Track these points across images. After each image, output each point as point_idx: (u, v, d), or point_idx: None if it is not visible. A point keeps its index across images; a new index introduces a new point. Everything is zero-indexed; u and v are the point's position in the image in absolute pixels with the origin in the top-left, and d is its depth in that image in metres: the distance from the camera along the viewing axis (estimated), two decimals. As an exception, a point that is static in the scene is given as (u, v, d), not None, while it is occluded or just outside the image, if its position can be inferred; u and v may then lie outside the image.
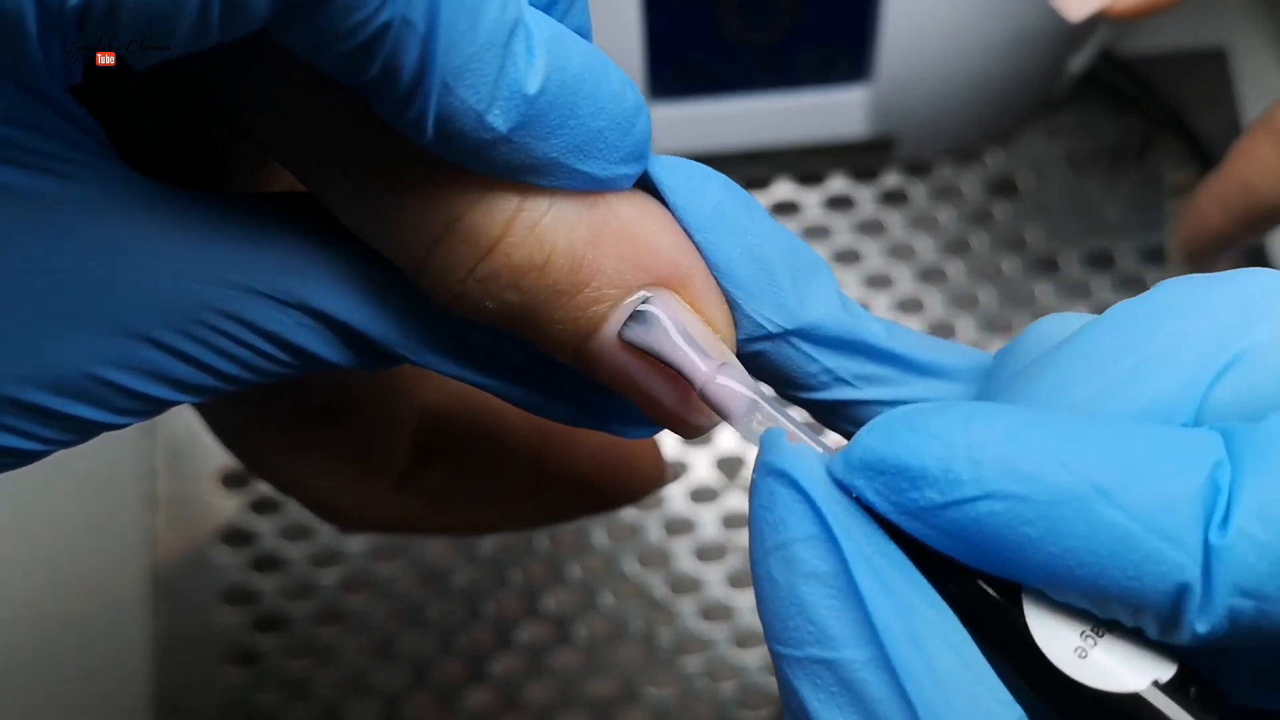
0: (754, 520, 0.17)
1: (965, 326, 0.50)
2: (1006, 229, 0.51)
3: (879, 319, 0.19)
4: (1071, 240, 0.51)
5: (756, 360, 0.19)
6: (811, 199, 0.52)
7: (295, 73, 0.16)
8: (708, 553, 0.48)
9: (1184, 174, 0.51)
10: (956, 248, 0.51)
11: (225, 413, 0.26)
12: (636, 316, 0.17)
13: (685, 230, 0.18)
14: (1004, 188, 0.52)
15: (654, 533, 0.48)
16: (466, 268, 0.16)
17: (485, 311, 0.17)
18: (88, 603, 0.47)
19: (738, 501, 0.49)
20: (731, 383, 0.17)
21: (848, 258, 0.51)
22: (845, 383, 0.19)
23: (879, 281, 0.51)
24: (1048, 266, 0.51)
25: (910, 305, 0.51)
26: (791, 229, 0.51)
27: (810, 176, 0.51)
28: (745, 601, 0.48)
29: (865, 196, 0.52)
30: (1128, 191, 0.52)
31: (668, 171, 0.18)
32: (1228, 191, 0.34)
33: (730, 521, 0.48)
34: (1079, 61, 0.47)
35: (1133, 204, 0.51)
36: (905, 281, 0.51)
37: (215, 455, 0.49)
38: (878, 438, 0.16)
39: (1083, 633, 0.15)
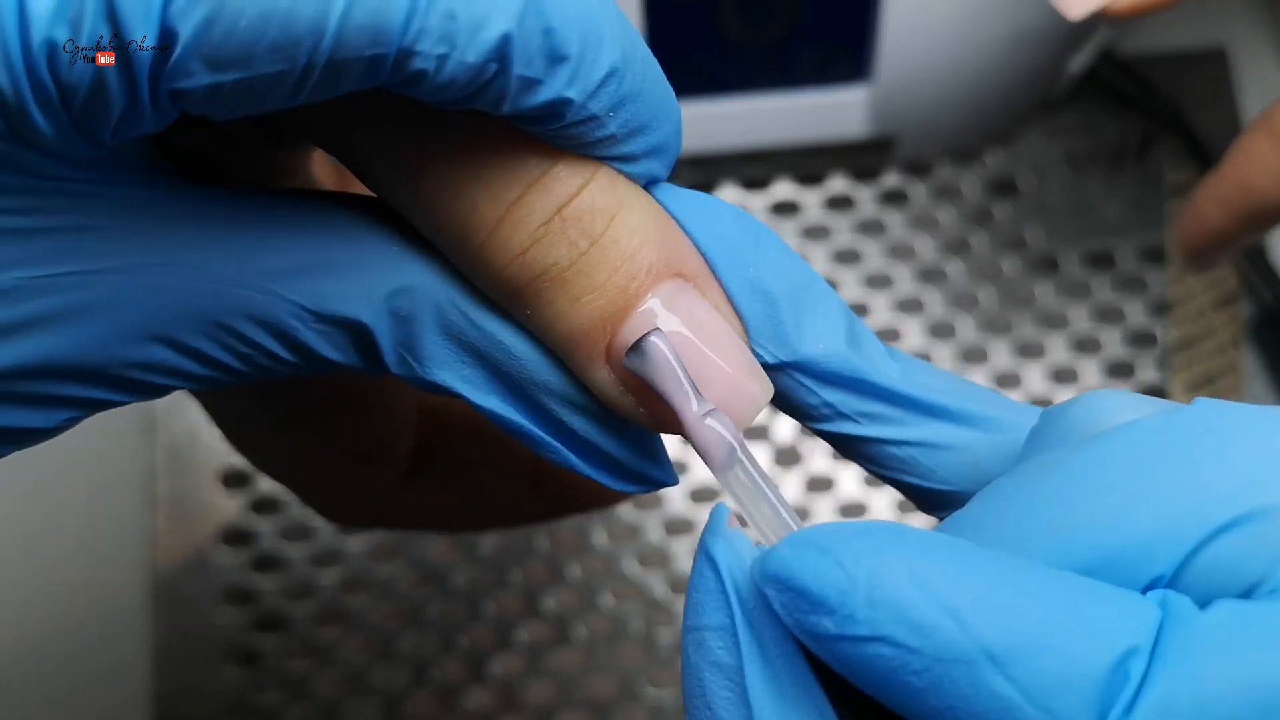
0: (687, 593, 0.17)
1: (965, 326, 0.50)
2: (1006, 229, 0.51)
3: (904, 357, 0.19)
4: (1071, 240, 0.51)
5: None
6: (811, 199, 0.52)
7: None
8: (708, 553, 0.48)
9: (1184, 174, 0.51)
10: (956, 248, 0.51)
11: (226, 404, 0.26)
12: (637, 347, 0.17)
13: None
14: (1004, 188, 0.52)
15: (654, 533, 0.48)
16: (557, 205, 0.17)
17: (550, 266, 0.17)
18: (87, 603, 0.47)
19: (738, 501, 0.48)
20: (718, 427, 0.17)
21: (848, 258, 0.51)
22: (848, 418, 0.19)
23: (879, 281, 0.51)
24: (1048, 266, 0.51)
25: (910, 305, 0.51)
26: (791, 229, 0.51)
27: (810, 176, 0.51)
28: (745, 601, 0.48)
29: (865, 196, 0.52)
30: (1128, 191, 0.52)
31: (674, 200, 0.18)
32: (1227, 191, 0.34)
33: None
34: (1079, 61, 0.47)
35: (1133, 204, 0.51)
36: (905, 281, 0.51)
37: (215, 455, 0.49)
38: (790, 553, 0.16)
39: None
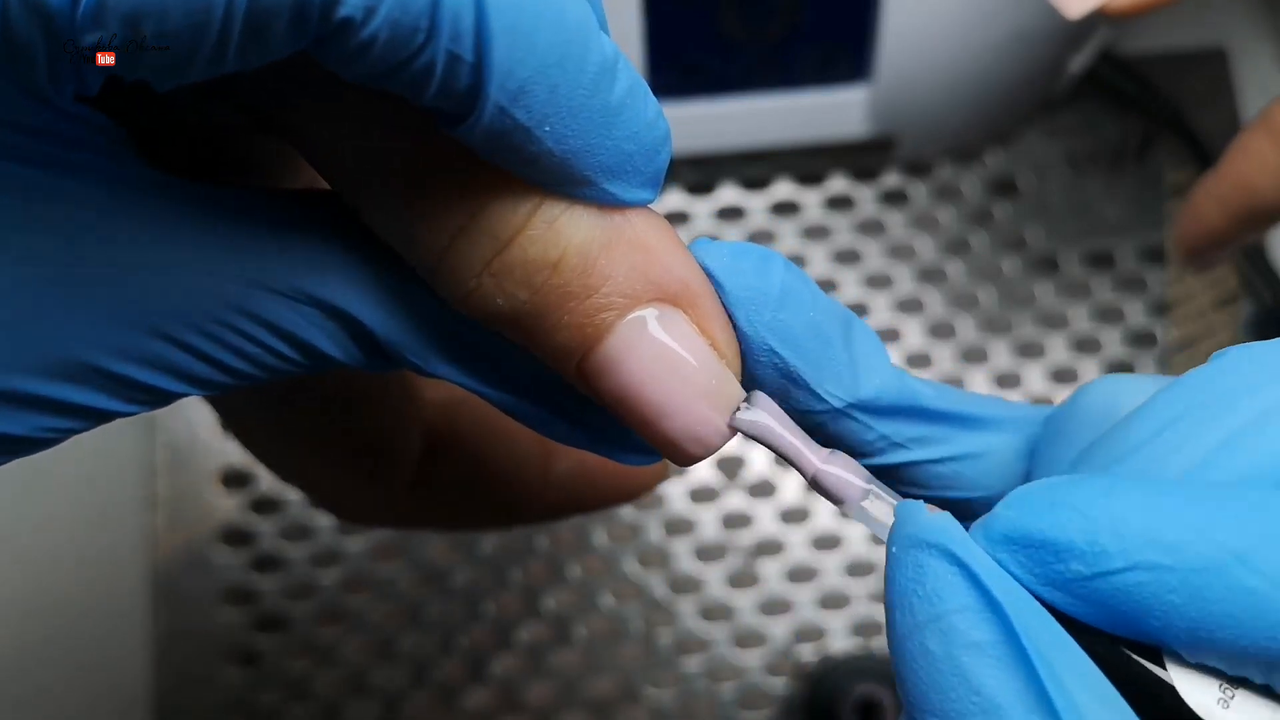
0: (899, 594, 0.17)
1: (965, 326, 0.50)
2: (1006, 229, 0.51)
3: (924, 380, 0.20)
4: (1071, 240, 0.51)
5: (815, 431, 0.19)
6: (811, 199, 0.52)
7: (326, 77, 0.16)
8: (708, 553, 0.48)
9: (1184, 174, 0.51)
10: (956, 248, 0.51)
11: (236, 405, 0.26)
12: (744, 409, 0.18)
13: (753, 311, 0.18)
14: (1004, 188, 0.52)
15: (654, 533, 0.48)
16: (483, 260, 0.16)
17: (496, 312, 0.17)
18: (88, 602, 0.47)
19: (738, 501, 0.49)
20: (842, 471, 0.18)
21: (848, 258, 0.51)
22: (900, 446, 0.20)
23: (879, 281, 0.51)
24: (1048, 266, 0.51)
25: (910, 305, 0.51)
26: (791, 229, 0.51)
27: (810, 176, 0.51)
28: (745, 601, 0.48)
29: (865, 196, 0.52)
30: (1128, 191, 0.52)
31: (731, 255, 0.18)
32: (1225, 190, 0.34)
33: (730, 521, 0.48)
34: (1079, 61, 0.47)
35: (1133, 204, 0.51)
36: (905, 281, 0.51)
37: (215, 455, 0.49)
38: (1018, 512, 0.16)
39: (1218, 690, 0.16)
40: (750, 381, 0.19)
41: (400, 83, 0.15)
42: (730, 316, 0.18)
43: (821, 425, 0.19)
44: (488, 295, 0.16)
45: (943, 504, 0.20)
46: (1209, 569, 0.15)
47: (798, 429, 0.18)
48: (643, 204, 0.17)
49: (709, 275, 0.18)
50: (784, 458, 0.18)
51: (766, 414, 0.18)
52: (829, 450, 0.19)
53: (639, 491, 0.30)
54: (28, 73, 0.14)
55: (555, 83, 0.15)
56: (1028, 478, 0.20)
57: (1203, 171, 0.49)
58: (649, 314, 0.17)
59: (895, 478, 0.20)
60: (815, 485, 0.18)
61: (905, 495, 0.20)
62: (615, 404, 0.17)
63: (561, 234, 0.16)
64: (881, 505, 0.18)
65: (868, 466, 0.20)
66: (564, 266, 0.16)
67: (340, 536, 0.48)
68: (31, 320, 0.16)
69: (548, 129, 0.15)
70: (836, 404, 0.19)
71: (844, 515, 0.19)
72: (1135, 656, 0.17)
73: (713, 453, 0.18)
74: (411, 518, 0.29)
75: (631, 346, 0.17)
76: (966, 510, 0.20)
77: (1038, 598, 0.16)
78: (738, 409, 0.18)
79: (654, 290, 0.17)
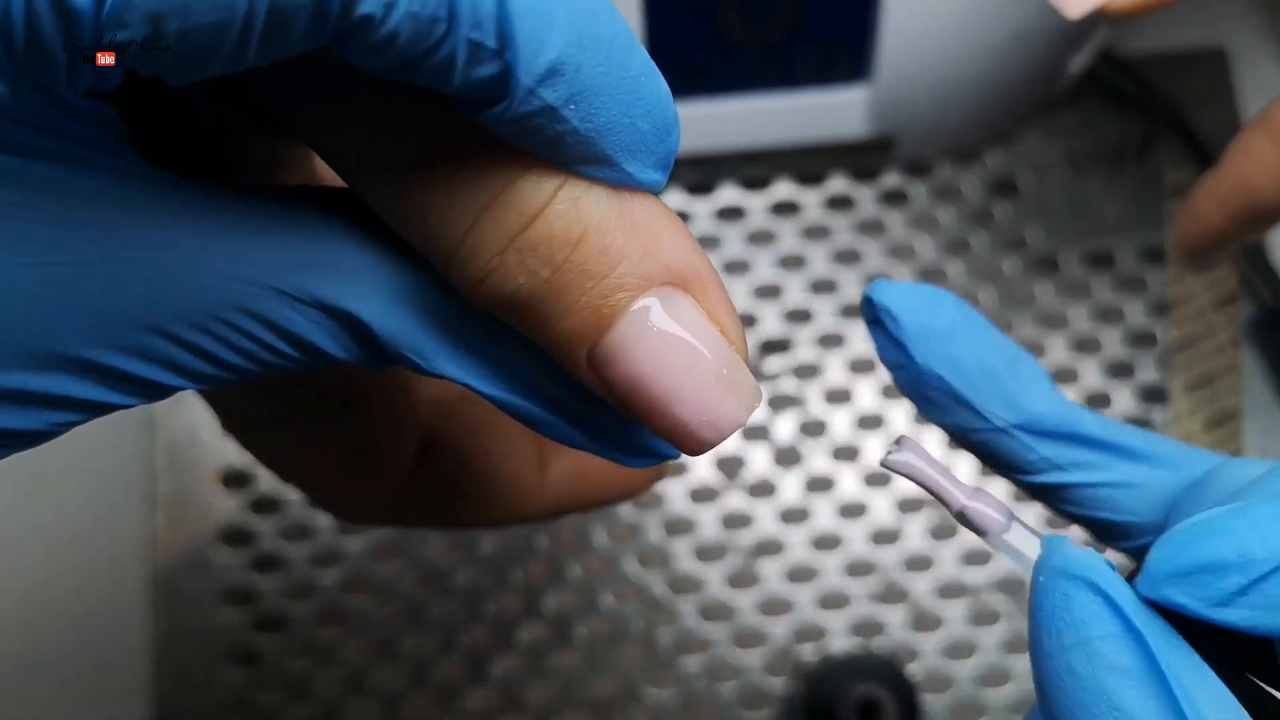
0: (1046, 619, 0.19)
1: (965, 326, 0.50)
2: (1006, 229, 0.51)
3: (1089, 410, 0.23)
4: (1071, 240, 0.51)
5: (981, 448, 0.22)
6: (811, 199, 0.52)
7: (343, 70, 0.16)
8: (708, 553, 0.48)
9: (1184, 174, 0.51)
10: (956, 248, 0.51)
11: (233, 404, 0.26)
12: (894, 450, 0.20)
13: (923, 344, 0.22)
14: (1004, 188, 0.52)
15: (654, 533, 0.48)
16: (510, 235, 0.16)
17: (512, 293, 0.17)
18: (88, 602, 0.47)
19: (738, 501, 0.49)
20: (985, 507, 0.20)
21: (848, 258, 0.51)
22: (1060, 468, 0.22)
23: (879, 281, 0.51)
24: (1048, 266, 0.51)
25: (910, 305, 0.51)
26: (791, 229, 0.51)
27: (810, 176, 0.52)
28: (745, 601, 0.48)
29: (865, 196, 0.52)
30: (1128, 191, 0.52)
31: (906, 294, 0.21)
32: (1225, 190, 0.34)
33: (730, 521, 0.48)
34: (1079, 61, 0.47)
35: (1133, 204, 0.51)
36: (905, 281, 0.51)
37: (215, 455, 0.49)
38: (1173, 549, 0.18)
39: None
40: (923, 402, 0.22)
41: (424, 74, 0.15)
42: (904, 348, 0.22)
43: (985, 442, 0.22)
44: (509, 274, 0.17)
45: (1094, 524, 0.23)
46: None
47: (944, 468, 0.20)
48: (655, 186, 0.18)
49: (887, 311, 0.22)
50: (932, 493, 0.21)
51: (914, 454, 0.20)
52: (974, 487, 0.21)
53: (636, 491, 0.30)
54: (49, 72, 0.14)
55: (579, 62, 0.15)
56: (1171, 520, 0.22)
57: (1203, 171, 0.49)
58: (660, 299, 0.17)
59: (1054, 496, 0.23)
60: (961, 519, 0.20)
61: (1061, 513, 0.23)
62: (626, 392, 0.17)
63: (583, 212, 0.17)
64: (1022, 537, 0.20)
65: (1029, 484, 0.23)
66: (585, 244, 0.17)
67: (340, 536, 0.48)
68: (28, 315, 0.16)
69: (573, 108, 0.16)
70: (998, 423, 0.22)
71: (988, 546, 0.22)
72: (1266, 687, 0.18)
73: (725, 439, 0.18)
74: (408, 516, 0.29)
75: (643, 332, 0.17)
76: (1118, 532, 0.23)
77: (1214, 622, 0.18)
78: (889, 450, 0.20)
79: (666, 272, 0.17)
